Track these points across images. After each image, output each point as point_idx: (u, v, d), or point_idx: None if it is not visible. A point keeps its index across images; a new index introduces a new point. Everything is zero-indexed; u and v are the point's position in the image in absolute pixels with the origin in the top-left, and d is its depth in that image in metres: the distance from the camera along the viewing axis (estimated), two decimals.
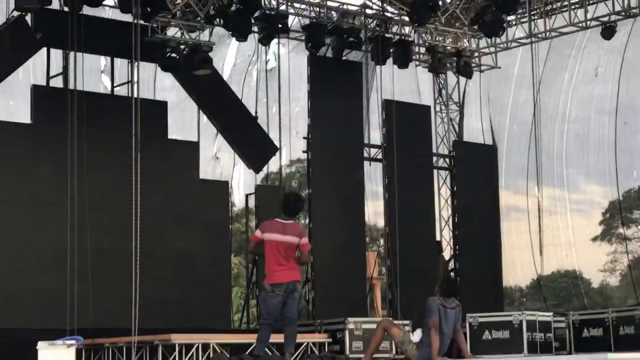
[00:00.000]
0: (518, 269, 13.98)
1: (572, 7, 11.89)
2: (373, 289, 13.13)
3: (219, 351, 7.62)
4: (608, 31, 11.62)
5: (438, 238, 12.61)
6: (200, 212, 10.66)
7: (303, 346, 8.24)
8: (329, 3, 11.82)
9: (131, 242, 7.75)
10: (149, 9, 9.63)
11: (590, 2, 11.71)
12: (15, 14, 9.03)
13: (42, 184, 9.32)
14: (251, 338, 7.00)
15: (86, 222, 8.31)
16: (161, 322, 8.75)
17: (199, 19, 10.14)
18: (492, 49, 13.16)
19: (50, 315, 8.58)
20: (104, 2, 10.12)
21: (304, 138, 11.64)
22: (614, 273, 17.35)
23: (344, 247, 11.34)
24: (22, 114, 9.90)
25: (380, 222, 13.23)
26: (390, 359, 8.98)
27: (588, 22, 11.82)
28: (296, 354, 7.43)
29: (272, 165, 12.46)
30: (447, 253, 12.58)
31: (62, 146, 8.56)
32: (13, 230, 8.99)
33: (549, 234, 13.03)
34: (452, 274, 12.19)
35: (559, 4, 12.04)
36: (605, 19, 11.63)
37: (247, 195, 11.91)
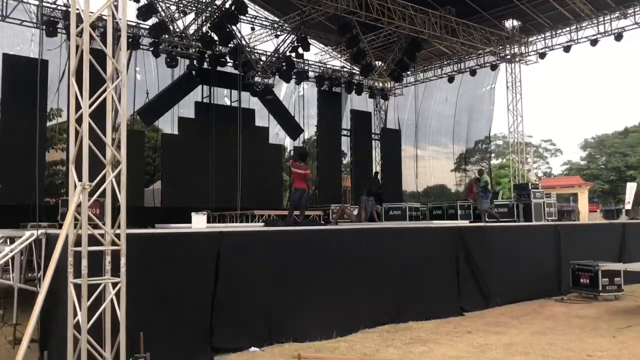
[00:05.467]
0: (409, 183, 28.49)
1: (436, 65, 26.39)
2: (345, 193, 27.70)
3: None
4: (451, 80, 26.13)
5: (375, 170, 27.13)
6: (272, 155, 24.53)
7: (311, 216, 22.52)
8: (327, 65, 26.14)
9: None
10: (245, 68, 22.84)
11: (445, 63, 26.17)
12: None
13: None
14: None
15: None
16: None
17: (269, 73, 24.10)
18: (399, 86, 27.35)
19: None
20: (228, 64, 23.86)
21: (315, 125, 25.96)
22: (460, 185, 28.87)
23: (332, 173, 25.70)
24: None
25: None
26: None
27: (442, 75, 26.24)
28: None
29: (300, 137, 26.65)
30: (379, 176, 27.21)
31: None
32: None
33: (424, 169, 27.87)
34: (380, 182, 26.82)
35: (430, 65, 26.55)
36: (450, 73, 25.94)
37: (290, 150, 26.34)
